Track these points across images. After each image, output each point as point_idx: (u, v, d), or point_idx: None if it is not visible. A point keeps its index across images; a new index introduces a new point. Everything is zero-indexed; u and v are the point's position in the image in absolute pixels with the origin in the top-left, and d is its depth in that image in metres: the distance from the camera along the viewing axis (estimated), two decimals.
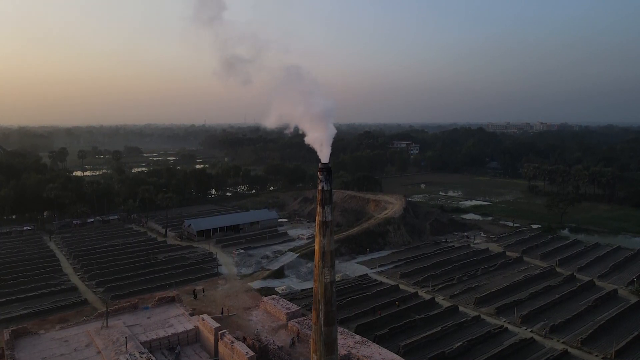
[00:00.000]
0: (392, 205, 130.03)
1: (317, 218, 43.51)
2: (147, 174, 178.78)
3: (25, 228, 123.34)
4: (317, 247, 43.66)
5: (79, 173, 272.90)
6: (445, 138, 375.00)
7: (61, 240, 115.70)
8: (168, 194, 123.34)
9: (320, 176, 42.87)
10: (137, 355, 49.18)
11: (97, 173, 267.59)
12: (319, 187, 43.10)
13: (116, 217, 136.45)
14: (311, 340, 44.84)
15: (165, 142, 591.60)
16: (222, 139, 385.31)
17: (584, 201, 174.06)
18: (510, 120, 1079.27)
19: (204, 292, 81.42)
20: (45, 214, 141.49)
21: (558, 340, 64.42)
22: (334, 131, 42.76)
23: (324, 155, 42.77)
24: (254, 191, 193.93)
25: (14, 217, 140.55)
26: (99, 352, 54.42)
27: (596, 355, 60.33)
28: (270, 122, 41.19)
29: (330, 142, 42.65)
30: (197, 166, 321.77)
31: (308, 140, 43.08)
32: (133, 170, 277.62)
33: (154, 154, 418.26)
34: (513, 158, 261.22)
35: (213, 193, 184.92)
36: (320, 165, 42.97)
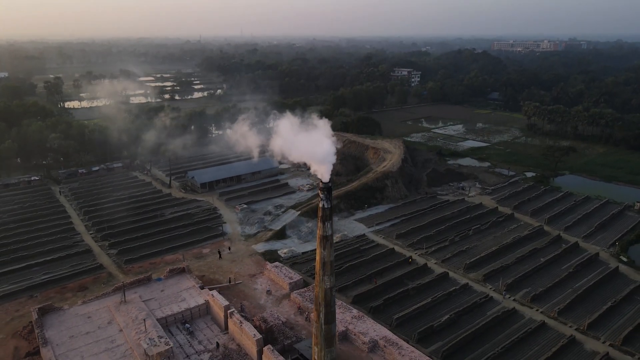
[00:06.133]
0: (391, 155, 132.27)
1: (318, 232, 46.59)
2: (146, 113, 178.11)
3: (32, 178, 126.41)
4: (318, 258, 47.22)
5: (76, 104, 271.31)
6: (448, 64, 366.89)
7: (69, 192, 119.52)
8: (169, 146, 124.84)
9: (321, 195, 45.32)
10: (157, 340, 54.77)
11: (95, 105, 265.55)
12: (320, 205, 45.72)
13: (120, 164, 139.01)
14: (312, 335, 49.98)
15: (160, 63, 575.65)
16: (220, 65, 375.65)
17: (580, 141, 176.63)
18: (517, 36, 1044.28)
19: (229, 249, 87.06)
20: (49, 158, 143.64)
21: (537, 310, 70.58)
22: (331, 165, 44.88)
23: (325, 177, 44.85)
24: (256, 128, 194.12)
25: (18, 160, 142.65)
26: (120, 330, 60.29)
27: (570, 326, 66.61)
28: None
29: (330, 171, 44.49)
30: (195, 94, 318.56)
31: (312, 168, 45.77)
32: (131, 101, 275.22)
33: (150, 79, 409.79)
34: (515, 90, 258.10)
35: (214, 132, 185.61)
36: (320, 184, 45.25)
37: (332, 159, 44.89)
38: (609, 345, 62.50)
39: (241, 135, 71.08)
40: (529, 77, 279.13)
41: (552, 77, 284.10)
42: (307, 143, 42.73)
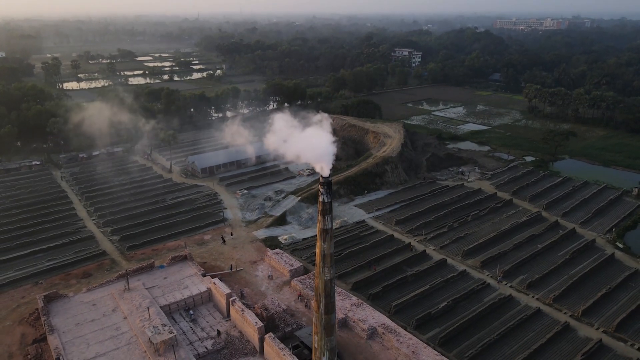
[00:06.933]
0: (391, 139, 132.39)
1: (318, 226, 47.30)
2: (146, 96, 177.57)
3: (33, 163, 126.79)
4: (318, 250, 48.05)
5: (74, 85, 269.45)
6: (450, 43, 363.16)
7: (70, 177, 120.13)
8: (170, 131, 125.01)
9: (321, 189, 45.88)
10: (160, 327, 56.08)
11: (93, 86, 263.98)
12: (320, 199, 46.32)
13: (120, 149, 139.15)
14: (313, 324, 51.20)
15: (158, 42, 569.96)
16: (219, 44, 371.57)
17: (581, 124, 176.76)
18: (520, 13, 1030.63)
19: (232, 235, 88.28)
20: (49, 142, 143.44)
21: (533, 297, 71.93)
22: (331, 161, 45.17)
23: (325, 172, 45.30)
24: (256, 110, 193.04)
25: (18, 143, 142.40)
26: (125, 318, 61.61)
27: (565, 313, 68.03)
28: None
29: (329, 167, 44.84)
30: (194, 74, 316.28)
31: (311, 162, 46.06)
32: (130, 82, 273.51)
33: (149, 58, 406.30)
34: (516, 71, 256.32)
35: (213, 115, 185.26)
36: (320, 179, 45.77)
37: (331, 158, 45.23)
38: (603, 331, 63.95)
39: (237, 133, 71.52)
40: (530, 57, 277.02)
41: (554, 57, 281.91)
42: (305, 143, 42.94)
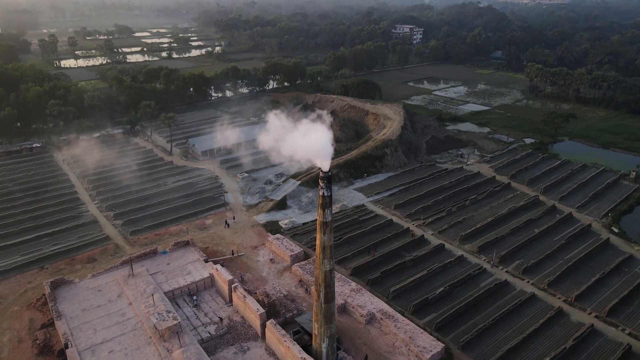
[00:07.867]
0: (391, 122, 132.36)
1: (318, 219, 48.30)
2: (144, 76, 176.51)
3: (34, 145, 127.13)
4: (318, 242, 49.20)
5: (71, 62, 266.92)
6: (451, 19, 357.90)
7: (71, 159, 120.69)
8: (169, 114, 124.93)
9: (321, 183, 46.72)
10: (165, 314, 57.71)
11: (91, 64, 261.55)
12: (320, 193, 47.22)
13: (121, 131, 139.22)
14: (313, 312, 52.79)
15: (155, 17, 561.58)
16: (217, 20, 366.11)
17: (582, 104, 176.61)
18: None
19: (234, 219, 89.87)
20: (49, 123, 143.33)
21: (528, 282, 73.57)
22: (330, 158, 45.88)
23: (324, 167, 46.05)
24: (255, 90, 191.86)
25: (18, 124, 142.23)
26: (130, 304, 63.30)
27: (558, 298, 69.76)
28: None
29: (329, 163, 45.56)
30: (193, 52, 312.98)
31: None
32: (128, 60, 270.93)
33: (146, 34, 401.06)
34: (518, 49, 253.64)
35: (213, 95, 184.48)
36: (321, 174, 46.56)
37: (330, 157, 45.94)
38: (595, 316, 65.73)
39: (237, 114, 71.85)
40: (533, 34, 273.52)
41: (557, 34, 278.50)
42: (303, 143, 43.57)
